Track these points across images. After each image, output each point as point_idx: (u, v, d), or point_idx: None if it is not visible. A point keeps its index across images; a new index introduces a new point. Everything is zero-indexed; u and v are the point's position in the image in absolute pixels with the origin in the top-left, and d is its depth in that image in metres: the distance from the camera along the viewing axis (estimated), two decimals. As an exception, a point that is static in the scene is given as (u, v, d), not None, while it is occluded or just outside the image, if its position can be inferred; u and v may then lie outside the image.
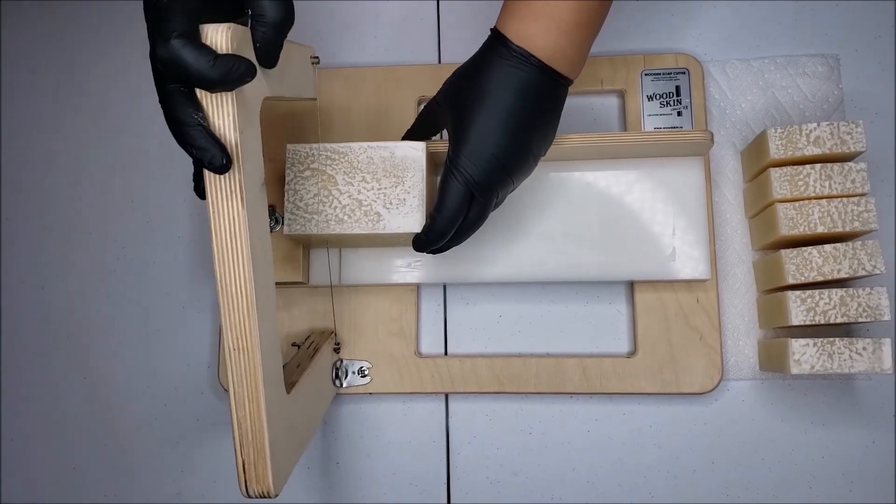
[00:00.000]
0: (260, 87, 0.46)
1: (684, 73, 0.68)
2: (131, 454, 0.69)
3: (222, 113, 0.43)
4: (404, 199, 0.57)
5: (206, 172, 0.43)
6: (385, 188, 0.58)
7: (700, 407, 0.65)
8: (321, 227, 0.57)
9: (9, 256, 0.73)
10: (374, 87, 0.70)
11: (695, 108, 0.67)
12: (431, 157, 0.61)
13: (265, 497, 0.47)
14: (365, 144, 0.58)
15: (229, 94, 0.42)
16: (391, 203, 0.57)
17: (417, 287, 0.68)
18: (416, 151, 0.58)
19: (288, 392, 0.51)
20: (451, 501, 0.66)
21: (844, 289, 0.58)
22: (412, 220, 0.57)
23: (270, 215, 0.60)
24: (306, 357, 0.59)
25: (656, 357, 0.64)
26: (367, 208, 0.57)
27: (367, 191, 0.58)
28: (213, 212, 0.44)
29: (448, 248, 0.57)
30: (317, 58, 0.62)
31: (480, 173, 0.52)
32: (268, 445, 0.46)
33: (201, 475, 0.68)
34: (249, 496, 0.47)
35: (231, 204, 0.44)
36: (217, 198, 0.44)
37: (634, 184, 0.64)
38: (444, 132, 0.57)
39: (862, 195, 0.59)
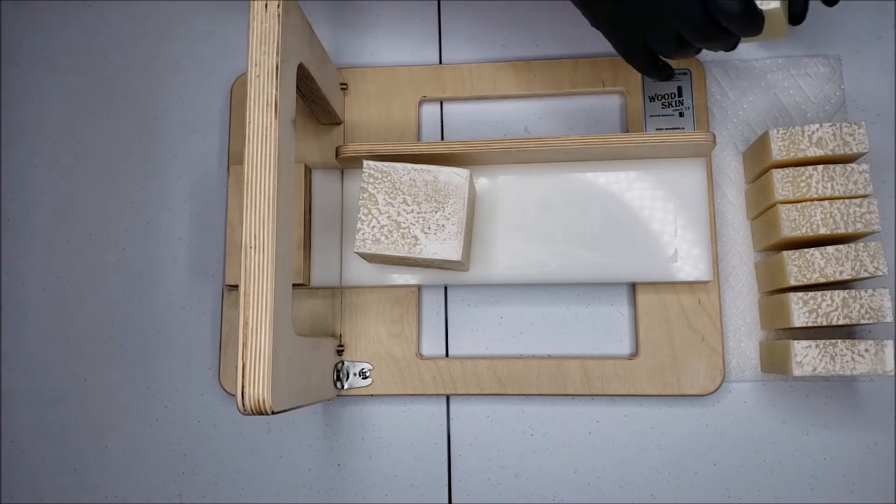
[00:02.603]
0: (299, 50, 0.54)
1: (686, 73, 0.67)
2: (132, 455, 0.69)
3: (268, 39, 0.50)
4: (443, 226, 0.57)
5: (250, 87, 0.50)
6: (425, 212, 0.58)
7: (702, 408, 0.65)
8: (357, 245, 0.57)
9: (9, 258, 0.73)
10: (376, 88, 0.70)
11: (696, 109, 0.67)
12: (474, 185, 0.61)
13: (262, 412, 0.47)
14: (409, 166, 0.58)
15: (275, 30, 0.50)
16: (430, 228, 0.57)
17: (418, 288, 0.68)
18: (459, 178, 0.58)
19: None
20: (453, 503, 0.66)
21: (847, 290, 0.58)
22: (449, 247, 0.57)
23: None
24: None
25: (658, 358, 0.64)
26: (405, 231, 0.57)
27: (407, 213, 0.58)
28: (250, 121, 0.49)
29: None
30: (345, 84, 0.69)
31: None
32: (270, 352, 0.47)
33: (202, 477, 0.68)
34: (245, 407, 0.46)
35: (266, 115, 0.49)
36: (255, 109, 0.49)
37: (636, 185, 0.64)
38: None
39: (864, 196, 0.59)
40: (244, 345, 0.47)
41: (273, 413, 0.47)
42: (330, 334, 0.67)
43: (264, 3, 0.50)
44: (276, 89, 0.50)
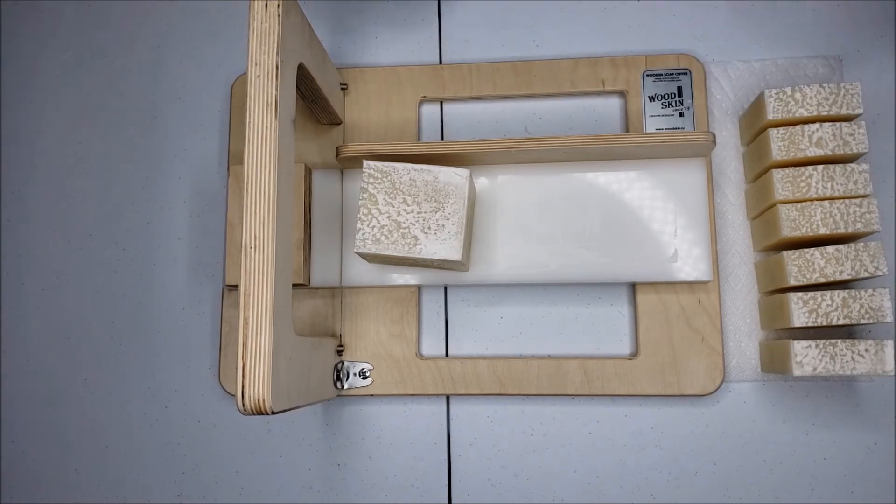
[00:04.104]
0: (299, 50, 0.54)
1: (686, 73, 0.68)
2: (132, 456, 0.69)
3: (268, 39, 0.50)
4: (443, 226, 0.57)
5: (250, 87, 0.50)
6: (425, 212, 0.58)
7: (702, 408, 0.65)
8: (357, 245, 0.57)
9: (9, 258, 0.73)
10: (376, 88, 0.70)
11: (696, 109, 0.67)
12: (474, 185, 0.61)
13: (261, 412, 0.47)
14: (409, 166, 0.58)
15: (275, 31, 0.50)
16: (429, 228, 0.57)
17: (418, 289, 0.68)
18: (459, 178, 0.58)
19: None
20: (453, 502, 0.66)
21: (846, 290, 0.58)
22: (449, 247, 0.57)
23: None
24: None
25: (658, 359, 0.64)
26: (405, 231, 0.57)
27: (407, 213, 0.58)
28: (250, 120, 0.49)
29: None
30: (345, 85, 0.69)
31: None
32: (270, 352, 0.47)
33: (202, 477, 0.68)
34: (245, 407, 0.47)
35: (267, 115, 0.49)
36: (255, 107, 0.50)
37: (636, 185, 0.64)
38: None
39: (864, 196, 0.59)
40: (244, 345, 0.47)
41: (273, 413, 0.47)
42: (330, 334, 0.67)
43: (264, 3, 0.50)
44: (276, 89, 0.50)
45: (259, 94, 0.50)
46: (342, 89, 0.70)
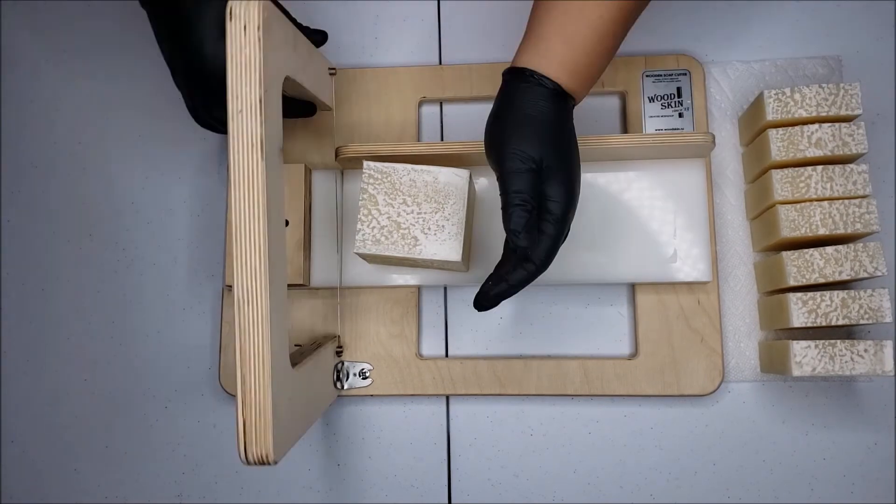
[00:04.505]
0: (284, 64, 0.51)
1: (685, 74, 0.68)
2: (132, 456, 0.69)
3: (250, 72, 0.45)
4: (443, 226, 0.57)
5: (230, 122, 0.46)
6: (425, 213, 0.58)
7: (701, 409, 0.65)
8: (357, 245, 0.57)
9: (9, 258, 0.73)
10: (375, 89, 0.70)
11: (696, 110, 0.67)
12: (474, 186, 0.61)
13: (264, 463, 0.46)
14: (409, 167, 0.58)
15: (257, 58, 0.45)
16: (429, 228, 0.57)
17: (418, 289, 0.68)
18: (459, 179, 0.58)
19: (293, 366, 0.52)
20: (453, 503, 0.66)
21: (846, 291, 0.58)
22: (448, 247, 0.57)
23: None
24: (310, 350, 0.60)
25: (657, 359, 0.64)
26: (405, 231, 0.57)
27: (407, 214, 0.58)
28: (234, 162, 0.45)
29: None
30: (334, 69, 0.66)
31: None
32: (270, 406, 0.46)
33: (202, 477, 0.68)
34: (248, 461, 0.46)
35: (251, 155, 0.45)
36: (239, 148, 0.45)
37: (635, 185, 0.64)
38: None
39: (863, 197, 0.59)
40: (244, 402, 0.46)
41: (276, 462, 0.47)
42: (330, 334, 0.67)
43: (242, 24, 0.45)
44: (262, 125, 0.45)
45: (241, 133, 0.45)
46: (331, 74, 0.67)
